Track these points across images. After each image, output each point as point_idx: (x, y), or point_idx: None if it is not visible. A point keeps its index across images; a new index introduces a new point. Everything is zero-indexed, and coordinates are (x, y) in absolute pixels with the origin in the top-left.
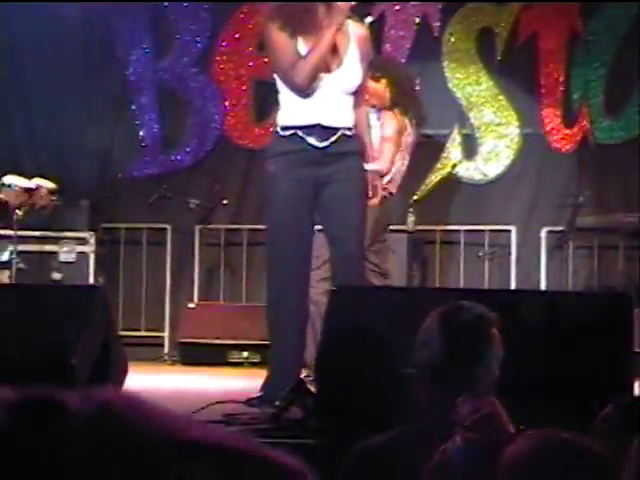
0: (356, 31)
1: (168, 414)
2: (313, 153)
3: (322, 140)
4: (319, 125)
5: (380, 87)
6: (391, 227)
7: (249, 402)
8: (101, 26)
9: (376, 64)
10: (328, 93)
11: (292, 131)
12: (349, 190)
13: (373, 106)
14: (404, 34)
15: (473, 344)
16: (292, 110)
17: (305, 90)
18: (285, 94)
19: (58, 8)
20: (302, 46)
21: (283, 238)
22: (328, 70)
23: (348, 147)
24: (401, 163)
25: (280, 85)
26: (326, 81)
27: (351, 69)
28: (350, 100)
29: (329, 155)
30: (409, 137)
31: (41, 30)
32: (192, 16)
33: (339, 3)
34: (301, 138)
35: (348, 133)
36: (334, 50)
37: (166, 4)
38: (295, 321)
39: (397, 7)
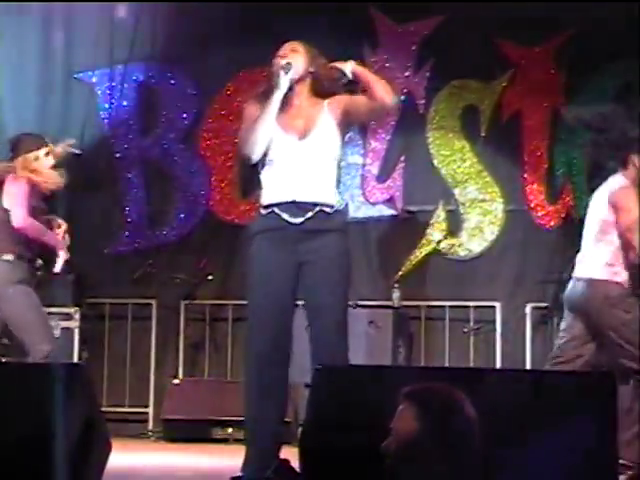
0: (332, 100)
1: None
2: (289, 230)
3: (297, 217)
4: (294, 202)
5: None
6: (377, 303)
7: None
8: (87, 102)
9: None
10: (302, 167)
11: (270, 209)
12: (326, 269)
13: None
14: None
15: (443, 427)
16: (270, 188)
17: (250, 158)
18: (264, 173)
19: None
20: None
21: (262, 315)
22: (301, 137)
23: (326, 224)
24: None
25: (260, 164)
26: (301, 148)
27: (323, 136)
28: (330, 173)
29: (305, 232)
30: None
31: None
32: (179, 92)
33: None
34: (278, 215)
35: (327, 210)
36: (306, 119)
37: (153, 80)
38: (274, 400)
39: None
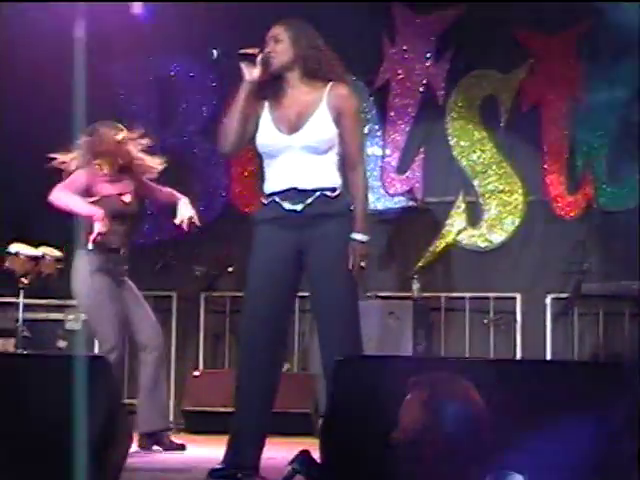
0: (334, 90)
1: None
2: (291, 218)
3: (297, 203)
4: (294, 189)
5: None
6: (397, 294)
7: (213, 473)
8: (108, 95)
9: None
10: (297, 154)
11: (271, 198)
12: (329, 254)
13: None
14: (408, 102)
15: (448, 416)
16: (270, 177)
17: (223, 150)
18: (265, 163)
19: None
20: (267, 110)
21: (255, 301)
22: (291, 131)
23: (328, 209)
24: None
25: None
26: (291, 141)
27: (316, 129)
28: (329, 160)
29: (307, 218)
30: None
31: (47, 94)
32: (198, 84)
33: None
34: (278, 204)
35: (329, 194)
36: (299, 110)
37: (172, 73)
38: (261, 388)
39: (401, 75)
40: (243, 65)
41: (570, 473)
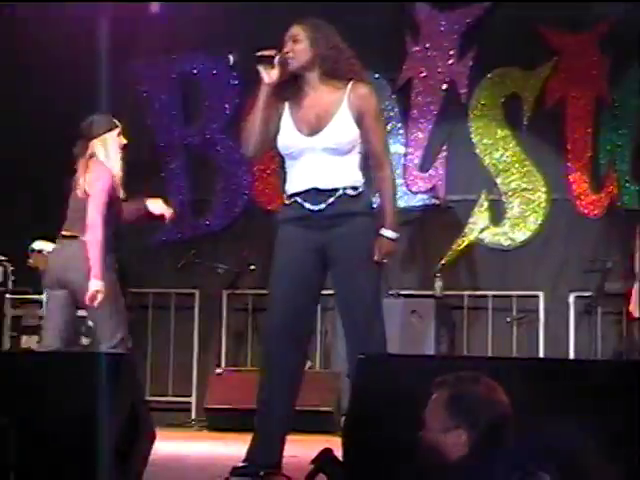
0: (355, 90)
1: None
2: (313, 217)
3: (318, 203)
4: (315, 189)
5: None
6: (419, 292)
7: (235, 471)
8: (131, 93)
9: None
10: (318, 155)
11: (293, 198)
12: (352, 253)
13: None
14: (431, 100)
15: (473, 416)
16: (292, 178)
17: (246, 153)
18: (287, 164)
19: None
20: (287, 111)
21: (279, 299)
22: (312, 132)
23: (350, 207)
24: None
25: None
26: (312, 143)
27: (337, 129)
28: (351, 159)
29: (329, 218)
30: None
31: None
32: (221, 83)
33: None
34: (300, 204)
35: (351, 193)
36: (320, 111)
37: (195, 71)
38: (284, 384)
39: (424, 74)
40: (261, 68)
41: (593, 472)
